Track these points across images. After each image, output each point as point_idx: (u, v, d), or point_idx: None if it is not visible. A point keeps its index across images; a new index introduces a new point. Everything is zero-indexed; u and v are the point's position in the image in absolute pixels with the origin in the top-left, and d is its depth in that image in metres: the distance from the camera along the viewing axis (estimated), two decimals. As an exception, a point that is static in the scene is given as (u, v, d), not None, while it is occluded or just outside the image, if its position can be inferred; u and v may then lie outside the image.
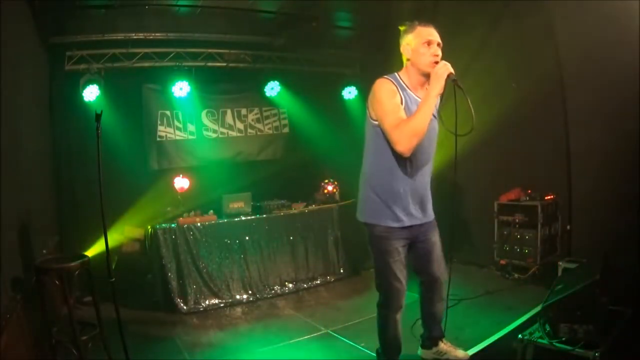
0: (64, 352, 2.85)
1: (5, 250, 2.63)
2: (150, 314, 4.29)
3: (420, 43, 2.37)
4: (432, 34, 2.39)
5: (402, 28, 2.46)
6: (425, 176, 2.55)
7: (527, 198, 4.57)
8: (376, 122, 2.41)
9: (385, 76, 2.45)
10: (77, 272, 2.85)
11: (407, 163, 2.43)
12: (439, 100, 2.44)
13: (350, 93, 6.61)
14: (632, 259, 3.33)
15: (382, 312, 2.65)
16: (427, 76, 2.39)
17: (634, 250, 3.35)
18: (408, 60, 2.46)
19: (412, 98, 2.43)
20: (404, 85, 2.45)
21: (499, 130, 4.65)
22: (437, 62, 2.34)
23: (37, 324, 2.93)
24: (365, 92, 6.60)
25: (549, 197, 4.54)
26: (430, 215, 2.66)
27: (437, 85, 2.28)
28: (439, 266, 2.72)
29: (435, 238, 2.69)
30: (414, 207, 2.52)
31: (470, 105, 2.27)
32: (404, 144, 2.26)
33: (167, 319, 4.22)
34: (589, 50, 3.85)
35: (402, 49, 2.47)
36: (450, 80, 2.29)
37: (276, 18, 5.19)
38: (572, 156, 4.24)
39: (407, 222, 2.50)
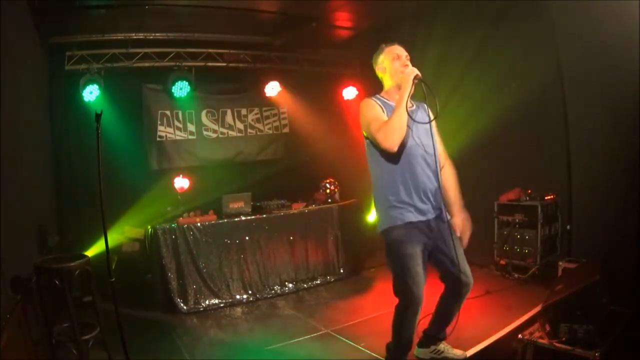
0: (64, 352, 2.85)
1: (5, 250, 2.63)
2: (150, 314, 4.30)
3: (390, 59, 2.69)
4: (398, 49, 2.71)
5: (373, 57, 2.81)
6: (427, 169, 2.64)
7: (527, 198, 4.57)
8: (368, 138, 2.67)
9: (367, 98, 2.76)
10: (77, 272, 2.85)
11: (404, 161, 2.60)
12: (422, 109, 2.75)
13: (350, 93, 6.61)
14: (632, 259, 3.33)
15: (399, 315, 2.70)
16: None
17: (634, 250, 3.35)
18: (383, 76, 2.77)
19: (391, 107, 2.66)
20: (385, 100, 2.72)
21: (499, 130, 4.66)
22: None
23: (37, 324, 2.93)
24: (365, 92, 6.61)
25: (549, 197, 4.54)
26: (441, 206, 2.69)
27: (407, 86, 2.55)
28: (464, 268, 2.68)
29: (455, 242, 2.67)
30: (422, 201, 2.61)
31: (435, 99, 2.57)
32: (388, 141, 2.50)
33: (167, 319, 4.22)
34: (589, 50, 3.84)
35: (377, 70, 2.81)
36: (417, 81, 2.55)
37: (276, 18, 5.19)
38: (572, 156, 4.23)
39: (419, 216, 2.59)
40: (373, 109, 2.66)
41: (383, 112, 2.64)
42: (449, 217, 2.72)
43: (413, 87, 2.56)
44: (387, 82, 2.75)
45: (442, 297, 2.85)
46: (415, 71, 2.57)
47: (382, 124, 2.54)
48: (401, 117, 2.51)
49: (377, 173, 2.72)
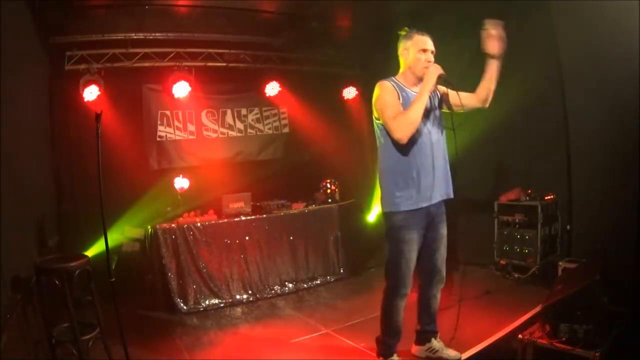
0: (64, 352, 2.85)
1: (5, 250, 2.63)
2: (150, 314, 4.30)
3: (416, 50, 2.70)
4: (427, 42, 2.70)
5: (401, 33, 2.76)
6: (435, 159, 2.71)
7: (527, 198, 4.57)
8: (379, 121, 2.70)
9: (384, 79, 2.75)
10: (77, 272, 2.85)
11: (413, 148, 2.65)
12: (434, 96, 2.78)
13: (350, 93, 6.61)
14: (632, 259, 3.33)
15: (388, 297, 2.82)
16: (421, 79, 2.69)
17: (634, 250, 3.35)
18: (405, 64, 2.77)
19: (408, 94, 2.70)
20: (401, 85, 2.74)
21: (499, 130, 4.65)
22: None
23: (37, 324, 2.93)
24: (365, 92, 6.61)
25: (549, 197, 4.54)
26: (450, 193, 2.82)
27: (429, 83, 2.59)
28: (442, 259, 2.86)
29: (444, 231, 2.85)
30: (429, 188, 2.69)
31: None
32: (401, 132, 2.55)
33: (167, 319, 4.23)
34: (589, 50, 3.85)
35: (399, 53, 2.79)
36: (441, 80, 2.60)
37: (276, 18, 5.19)
38: (572, 156, 4.24)
39: (423, 203, 2.69)
40: (390, 93, 2.66)
41: (399, 98, 2.65)
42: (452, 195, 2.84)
43: (435, 85, 2.62)
44: (405, 67, 2.77)
45: (419, 289, 2.97)
46: (440, 70, 2.60)
47: (398, 113, 2.58)
48: (418, 112, 2.55)
49: (385, 156, 2.76)
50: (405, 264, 2.70)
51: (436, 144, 2.73)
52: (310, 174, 6.09)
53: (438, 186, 2.73)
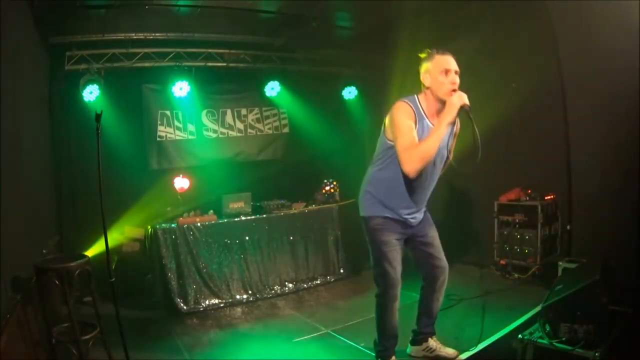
0: (64, 352, 2.85)
1: (5, 250, 2.62)
2: (150, 314, 4.30)
3: (438, 71, 2.48)
4: (449, 62, 2.49)
5: (421, 55, 2.59)
6: (423, 194, 2.72)
7: (527, 198, 4.57)
8: (391, 142, 2.56)
9: (405, 99, 2.56)
10: (77, 272, 2.84)
11: (408, 182, 2.59)
12: (450, 130, 2.57)
13: (350, 93, 6.61)
14: (632, 259, 3.33)
15: (379, 301, 2.81)
16: (444, 103, 2.48)
17: (634, 250, 3.35)
18: (427, 87, 2.56)
19: (426, 125, 2.55)
20: (422, 112, 2.57)
21: (499, 131, 4.65)
22: (454, 90, 2.46)
23: (37, 324, 2.93)
24: (365, 92, 6.62)
25: (549, 197, 4.54)
26: (422, 216, 2.81)
27: (449, 115, 2.40)
28: (440, 260, 2.84)
29: (433, 233, 2.84)
30: (409, 216, 2.71)
31: (478, 136, 2.38)
32: (411, 166, 2.40)
33: (167, 319, 4.23)
34: (589, 50, 3.85)
35: (421, 77, 2.58)
36: (463, 111, 2.41)
37: (276, 18, 5.19)
38: (572, 156, 4.24)
39: (403, 216, 2.70)
40: (407, 118, 2.48)
41: (415, 125, 2.49)
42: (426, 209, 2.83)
43: (456, 117, 2.44)
44: (427, 92, 2.57)
45: (421, 291, 2.96)
46: (463, 99, 2.40)
47: (411, 144, 2.41)
48: (433, 147, 2.40)
49: (379, 173, 2.71)
50: (388, 264, 2.68)
51: (435, 170, 2.67)
52: (310, 174, 6.09)
53: (419, 214, 2.75)
